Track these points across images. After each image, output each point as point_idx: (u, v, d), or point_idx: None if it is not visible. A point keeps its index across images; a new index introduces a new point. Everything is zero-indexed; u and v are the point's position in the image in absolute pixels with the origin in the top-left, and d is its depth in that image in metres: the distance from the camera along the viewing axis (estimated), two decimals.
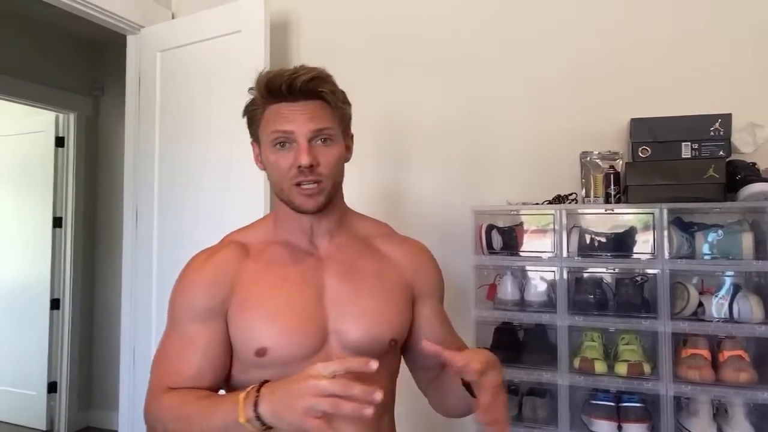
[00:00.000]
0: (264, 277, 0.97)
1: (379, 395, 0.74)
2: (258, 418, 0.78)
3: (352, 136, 1.05)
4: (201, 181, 2.16)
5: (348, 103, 1.02)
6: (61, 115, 3.60)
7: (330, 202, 0.98)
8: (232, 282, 0.97)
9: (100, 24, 2.28)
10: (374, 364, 0.77)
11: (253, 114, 0.99)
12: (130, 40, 2.42)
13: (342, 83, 1.02)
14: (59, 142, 3.60)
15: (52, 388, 3.52)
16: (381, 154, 2.16)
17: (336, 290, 0.98)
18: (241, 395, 0.81)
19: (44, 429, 3.49)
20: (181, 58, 2.26)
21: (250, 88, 0.99)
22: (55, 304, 3.54)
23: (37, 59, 3.39)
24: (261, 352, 0.92)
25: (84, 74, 3.68)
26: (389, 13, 2.24)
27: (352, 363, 0.78)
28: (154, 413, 0.94)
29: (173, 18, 2.49)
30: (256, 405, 0.79)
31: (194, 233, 2.15)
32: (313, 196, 0.94)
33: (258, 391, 0.81)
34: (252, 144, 1.04)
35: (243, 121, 2.13)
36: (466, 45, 2.12)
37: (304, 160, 0.91)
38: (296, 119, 0.93)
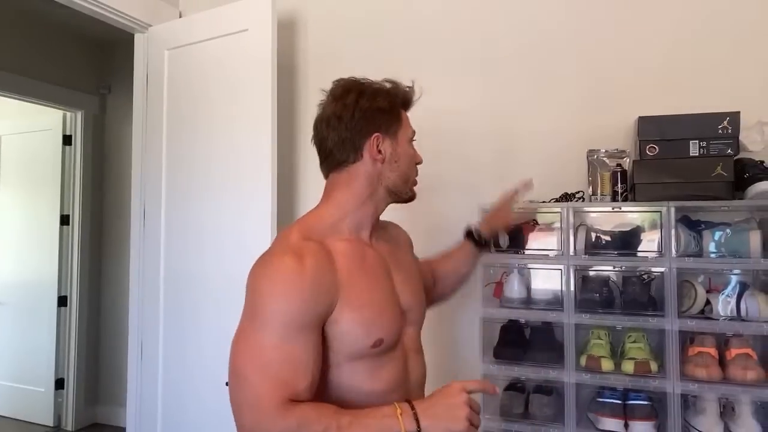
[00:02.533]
0: (357, 274, 1.04)
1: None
2: (419, 430, 0.90)
3: None
4: (208, 179, 2.17)
5: None
6: (68, 114, 3.63)
7: None
8: (337, 284, 0.99)
9: (107, 22, 2.30)
10: (498, 390, 1.04)
11: (396, 113, 1.14)
12: (138, 39, 2.44)
13: None
14: (67, 140, 3.63)
15: (59, 384, 3.55)
16: None
17: (397, 276, 1.13)
18: (397, 411, 0.91)
19: (51, 425, 3.52)
20: (188, 56, 2.27)
21: (383, 88, 1.14)
22: (62, 301, 3.57)
23: (44, 58, 3.41)
24: (378, 343, 1.01)
25: (91, 73, 3.70)
26: (397, 13, 2.24)
27: (487, 387, 1.01)
28: (287, 427, 0.90)
29: (180, 16, 2.51)
30: (417, 419, 0.90)
31: (202, 231, 2.16)
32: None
33: (413, 408, 0.92)
34: (378, 136, 1.10)
35: (250, 119, 2.13)
36: (474, 45, 2.12)
37: (421, 158, 1.19)
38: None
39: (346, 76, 1.10)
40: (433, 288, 1.42)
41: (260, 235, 1.98)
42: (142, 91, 2.41)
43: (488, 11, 2.11)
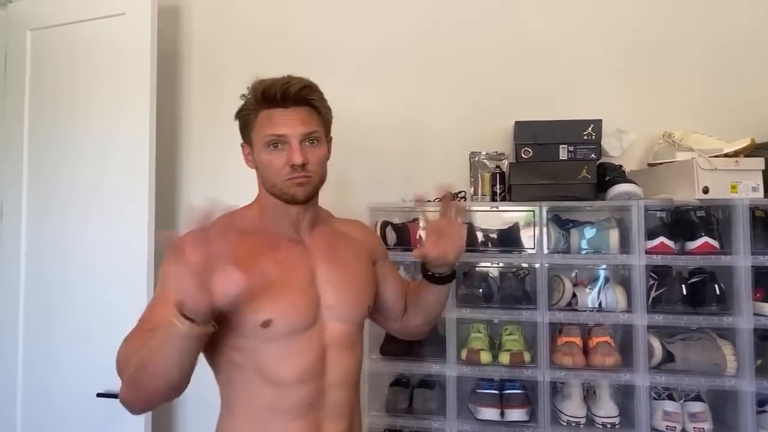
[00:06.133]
0: (261, 257, 1.05)
1: None
2: (178, 307, 0.85)
3: (331, 138, 1.20)
4: (78, 173, 1.98)
5: (330, 110, 1.17)
6: None
7: (316, 194, 1.14)
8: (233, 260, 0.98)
9: None
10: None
11: (246, 118, 1.12)
12: None
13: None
14: None
15: None
16: None
17: (325, 272, 1.13)
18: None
19: None
20: (55, 38, 2.06)
21: (243, 95, 1.12)
22: None
23: None
24: (266, 323, 1.02)
25: None
26: (283, 3, 2.20)
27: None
28: (119, 353, 0.99)
29: None
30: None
31: (70, 233, 1.97)
32: (303, 185, 1.09)
33: None
34: (242, 145, 1.16)
35: (126, 110, 1.99)
36: (364, 45, 2.13)
37: (298, 160, 1.06)
38: (289, 123, 1.07)
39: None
40: (404, 313, 1.37)
41: (136, 237, 1.85)
42: (0, 74, 2.16)
43: (379, 14, 2.14)
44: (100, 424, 1.86)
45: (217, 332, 0.94)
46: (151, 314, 1.02)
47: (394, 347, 1.78)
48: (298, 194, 1.09)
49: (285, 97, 1.07)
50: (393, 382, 1.84)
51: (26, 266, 2.05)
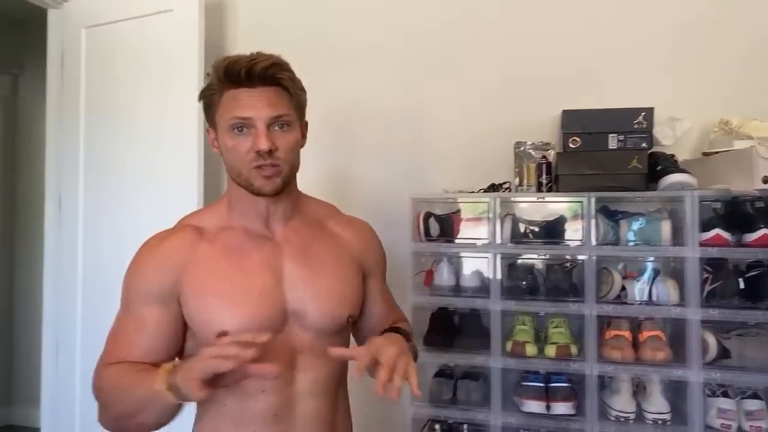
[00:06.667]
0: (220, 261, 0.99)
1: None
2: (171, 387, 0.83)
3: (307, 123, 1.07)
4: (131, 166, 2.07)
5: (304, 91, 1.03)
6: None
7: (287, 185, 1.00)
8: (185, 265, 0.98)
9: None
10: (263, 337, 0.84)
11: (210, 99, 0.99)
12: (52, 15, 2.27)
13: None
14: None
15: None
16: (326, 141, 2.13)
17: (294, 273, 1.01)
18: (168, 365, 0.88)
19: None
20: (108, 35, 2.15)
21: (207, 73, 1.00)
22: None
23: None
24: (222, 335, 0.92)
25: (1, 51, 3.42)
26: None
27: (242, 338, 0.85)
28: (97, 384, 0.96)
29: None
30: (175, 374, 0.84)
31: (123, 220, 2.06)
32: (271, 178, 0.96)
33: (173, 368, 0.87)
34: (208, 129, 1.04)
35: (175, 104, 2.04)
36: (409, 35, 2.12)
37: (263, 145, 0.93)
38: (255, 105, 0.94)
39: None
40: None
41: None
42: (57, 72, 2.26)
43: (423, 6, 2.12)
44: None
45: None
46: (121, 334, 0.98)
47: (438, 338, 1.78)
48: (264, 188, 0.96)
49: (250, 75, 0.93)
50: (436, 372, 1.84)
51: (83, 255, 2.15)
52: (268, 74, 0.95)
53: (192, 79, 1.95)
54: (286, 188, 0.99)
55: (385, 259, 1.21)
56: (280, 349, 0.96)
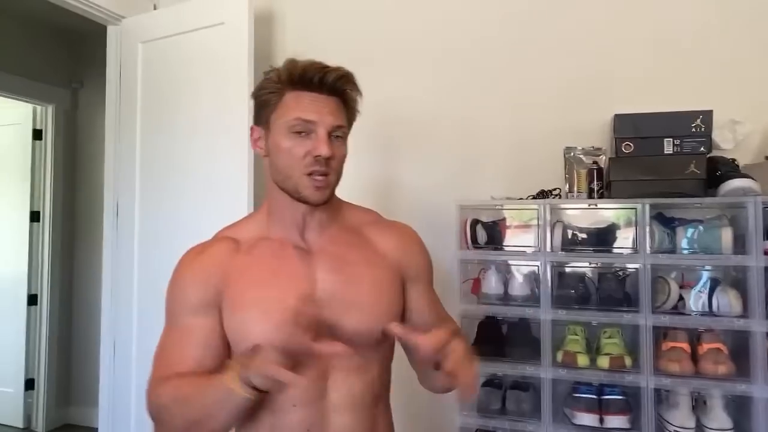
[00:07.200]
0: (254, 273, 0.98)
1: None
2: (244, 380, 0.83)
3: None
4: (184, 175, 2.13)
5: (357, 110, 1.03)
6: (38, 108, 3.53)
7: (331, 197, 1.00)
8: (224, 277, 0.98)
9: (79, 14, 2.24)
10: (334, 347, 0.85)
11: (267, 98, 0.98)
12: (111, 31, 2.38)
13: None
14: (37, 134, 3.53)
15: (29, 385, 3.45)
16: (371, 148, 2.15)
17: (328, 284, 0.98)
18: (235, 363, 0.87)
19: (21, 426, 3.43)
20: (163, 49, 2.23)
21: (267, 72, 0.99)
22: (32, 299, 3.47)
23: (14, 50, 3.32)
24: (255, 350, 0.91)
25: (63, 66, 3.60)
26: (377, 8, 2.23)
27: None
28: (155, 401, 0.94)
29: (155, 9, 2.45)
30: (246, 369, 0.83)
31: (177, 228, 2.12)
32: (321, 189, 0.95)
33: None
34: (252, 128, 1.03)
35: (226, 114, 2.08)
36: (453, 41, 2.12)
37: (325, 151, 0.92)
38: (320, 110, 0.95)
39: None
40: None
41: None
42: (115, 85, 2.36)
43: (469, 11, 2.11)
44: None
45: None
46: (170, 348, 0.98)
47: (486, 347, 1.75)
48: (312, 197, 0.95)
49: (323, 82, 0.95)
50: (485, 382, 1.82)
51: (138, 262, 2.22)
52: (337, 85, 0.96)
53: (243, 88, 1.99)
54: (328, 200, 0.99)
55: (430, 264, 1.14)
56: (312, 362, 0.93)
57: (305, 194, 0.95)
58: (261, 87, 1.00)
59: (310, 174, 0.94)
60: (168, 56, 2.21)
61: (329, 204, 1.02)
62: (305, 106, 0.94)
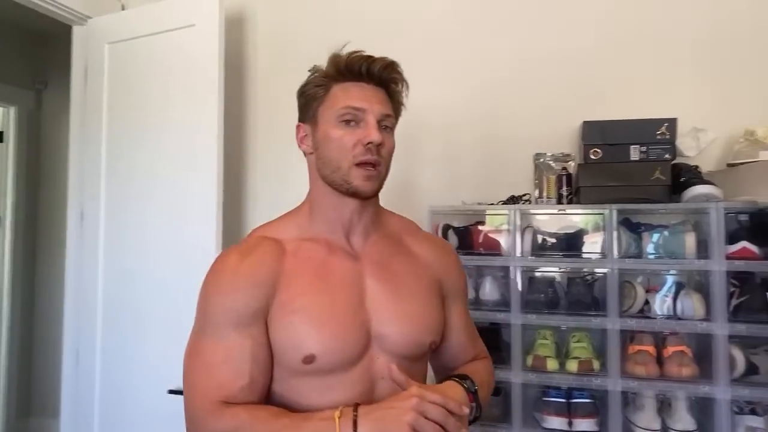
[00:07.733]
0: (305, 277, 0.93)
1: None
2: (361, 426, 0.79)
3: None
4: (151, 180, 2.08)
5: (403, 104, 1.02)
6: (0, 109, 3.42)
7: (379, 190, 0.97)
8: (274, 282, 0.92)
9: (43, 14, 2.17)
10: (466, 410, 0.84)
11: (313, 92, 0.97)
12: (76, 32, 2.32)
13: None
14: None
15: None
16: None
17: (376, 292, 0.96)
18: (335, 414, 0.82)
19: None
20: (131, 51, 2.18)
21: (309, 70, 1.00)
22: None
23: None
24: (309, 359, 0.88)
25: (26, 66, 3.50)
26: (348, 9, 2.23)
27: (450, 404, 0.82)
28: (222, 428, 0.86)
29: (123, 9, 2.40)
30: (355, 424, 0.80)
31: (144, 234, 2.07)
32: (371, 179, 0.93)
33: (355, 411, 0.82)
34: (298, 126, 1.01)
35: (196, 117, 2.04)
36: (420, 42, 2.12)
37: (375, 137, 0.91)
38: (369, 99, 0.94)
39: (297, 73, 1.05)
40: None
41: (204, 237, 1.91)
42: (81, 86, 2.30)
43: (428, 14, 2.13)
44: (170, 419, 1.93)
45: None
46: (220, 364, 0.89)
47: None
48: (362, 188, 0.92)
49: (370, 71, 0.95)
50: None
51: (104, 267, 2.16)
52: (384, 75, 0.96)
53: (213, 91, 1.96)
54: (377, 192, 0.97)
55: (466, 283, 1.14)
56: (360, 374, 0.92)
57: (355, 185, 0.92)
58: (307, 83, 0.99)
59: (359, 164, 0.92)
60: (136, 58, 2.16)
61: (375, 207, 1.02)
62: (354, 95, 0.94)
